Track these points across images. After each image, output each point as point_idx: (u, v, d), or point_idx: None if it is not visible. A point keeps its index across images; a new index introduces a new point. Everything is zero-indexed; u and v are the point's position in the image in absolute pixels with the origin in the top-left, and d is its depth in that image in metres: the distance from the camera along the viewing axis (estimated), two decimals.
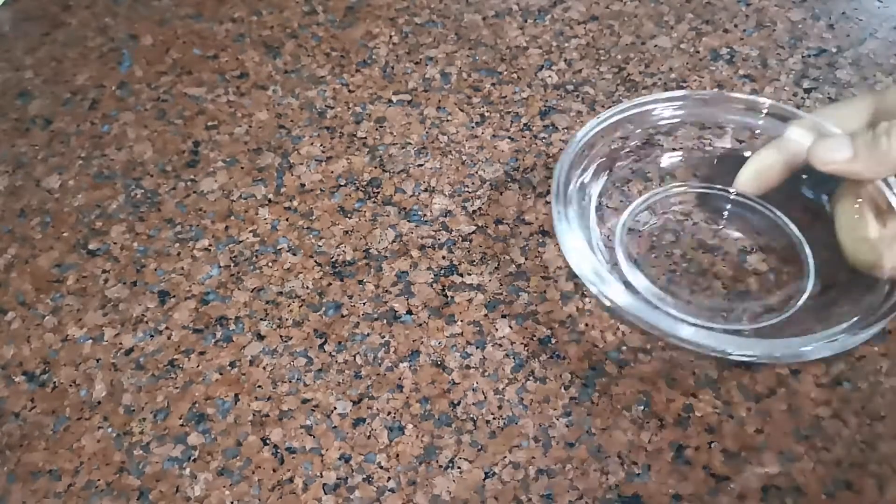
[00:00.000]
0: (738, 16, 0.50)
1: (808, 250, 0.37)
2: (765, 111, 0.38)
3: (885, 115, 0.34)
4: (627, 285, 0.36)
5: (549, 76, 0.47)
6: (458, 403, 0.35)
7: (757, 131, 0.39)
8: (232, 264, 0.40)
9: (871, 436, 0.33)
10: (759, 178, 0.37)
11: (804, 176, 0.37)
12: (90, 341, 0.38)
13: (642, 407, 0.34)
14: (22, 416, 0.36)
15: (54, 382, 0.37)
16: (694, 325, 0.32)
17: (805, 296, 0.36)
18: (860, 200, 0.35)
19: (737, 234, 0.38)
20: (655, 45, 0.48)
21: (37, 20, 0.54)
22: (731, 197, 0.40)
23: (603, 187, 0.39)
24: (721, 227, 0.39)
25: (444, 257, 0.40)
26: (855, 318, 0.31)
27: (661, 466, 0.33)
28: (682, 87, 0.46)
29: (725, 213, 0.39)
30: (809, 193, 0.38)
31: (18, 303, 0.40)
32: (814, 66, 0.46)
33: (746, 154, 0.40)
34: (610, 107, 0.45)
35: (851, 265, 0.34)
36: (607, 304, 0.32)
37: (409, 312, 0.38)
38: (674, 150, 0.41)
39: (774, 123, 0.38)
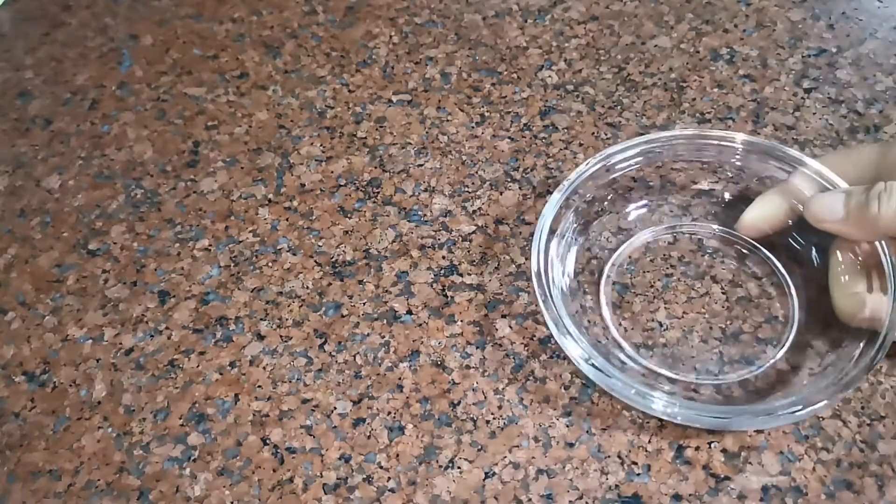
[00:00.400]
0: (738, 16, 0.50)
1: (794, 294, 0.36)
2: (740, 147, 0.38)
3: (889, 169, 0.33)
4: (613, 355, 0.35)
5: (549, 76, 0.47)
6: (458, 403, 0.35)
7: (736, 168, 0.39)
8: (232, 264, 0.40)
9: (871, 436, 0.33)
10: (763, 221, 0.37)
11: (789, 222, 0.37)
12: (90, 341, 0.38)
13: None
14: (22, 416, 0.36)
15: (54, 382, 0.37)
16: (673, 382, 0.34)
17: (786, 346, 0.35)
18: (855, 255, 0.34)
19: (722, 280, 0.37)
20: (655, 45, 0.48)
21: (37, 20, 0.54)
22: (712, 237, 0.39)
23: (579, 252, 0.38)
24: (703, 273, 0.38)
25: (444, 257, 0.40)
26: (831, 378, 0.31)
27: (661, 466, 0.33)
28: (682, 87, 0.46)
29: (705, 258, 0.38)
30: (798, 237, 0.37)
31: (18, 303, 0.40)
32: (814, 66, 0.46)
33: (728, 196, 0.39)
34: (610, 107, 0.45)
35: (837, 315, 0.34)
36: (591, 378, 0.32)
37: (409, 312, 0.38)
38: (643, 197, 0.40)
39: (751, 159, 0.38)
